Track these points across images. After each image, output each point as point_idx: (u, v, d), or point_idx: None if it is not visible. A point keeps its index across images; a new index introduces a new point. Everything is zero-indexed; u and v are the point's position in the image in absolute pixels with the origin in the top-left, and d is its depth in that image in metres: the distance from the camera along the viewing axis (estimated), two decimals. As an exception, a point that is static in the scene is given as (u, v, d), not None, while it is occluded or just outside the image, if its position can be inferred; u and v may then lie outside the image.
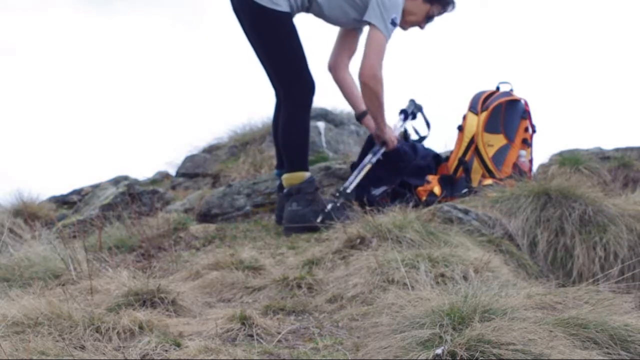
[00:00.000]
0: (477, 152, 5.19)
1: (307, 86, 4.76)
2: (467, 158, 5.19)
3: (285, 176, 4.80)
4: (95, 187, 6.29)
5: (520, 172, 5.13)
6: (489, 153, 5.15)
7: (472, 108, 5.27)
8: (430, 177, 5.11)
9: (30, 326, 2.77)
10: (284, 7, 4.66)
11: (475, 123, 5.21)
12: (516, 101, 5.29)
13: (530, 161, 5.34)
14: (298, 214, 4.66)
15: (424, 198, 4.95)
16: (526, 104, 5.30)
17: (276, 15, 4.64)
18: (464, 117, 5.29)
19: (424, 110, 5.44)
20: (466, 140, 5.21)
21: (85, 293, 3.39)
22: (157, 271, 3.92)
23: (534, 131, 5.33)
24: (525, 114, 5.28)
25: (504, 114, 5.22)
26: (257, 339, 2.84)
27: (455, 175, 5.16)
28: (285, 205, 4.76)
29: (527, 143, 5.27)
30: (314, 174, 5.42)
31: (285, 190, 4.79)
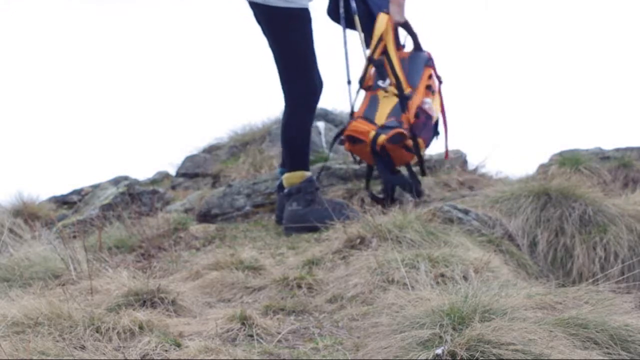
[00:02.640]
0: (388, 56, 4.98)
1: (312, 87, 4.73)
2: (376, 56, 4.97)
3: (285, 175, 4.79)
4: (95, 187, 6.28)
5: (426, 116, 4.91)
6: (390, 102, 4.96)
7: (385, 8, 5.02)
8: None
9: (30, 326, 2.77)
10: (299, 2, 4.61)
11: (385, 22, 4.97)
12: (419, 51, 5.12)
13: (445, 124, 5.10)
14: (298, 213, 4.65)
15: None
16: (429, 54, 5.12)
17: (290, 12, 4.60)
18: (376, 17, 5.04)
19: None
20: (376, 38, 4.97)
21: (85, 293, 3.39)
22: (157, 271, 3.92)
23: (440, 81, 5.13)
24: (430, 62, 5.10)
25: (408, 65, 5.03)
26: (257, 339, 2.84)
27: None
28: (285, 205, 4.76)
29: (431, 90, 5.04)
30: (314, 174, 5.42)
31: (285, 190, 4.78)
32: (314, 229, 4.53)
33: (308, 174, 4.80)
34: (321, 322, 3.12)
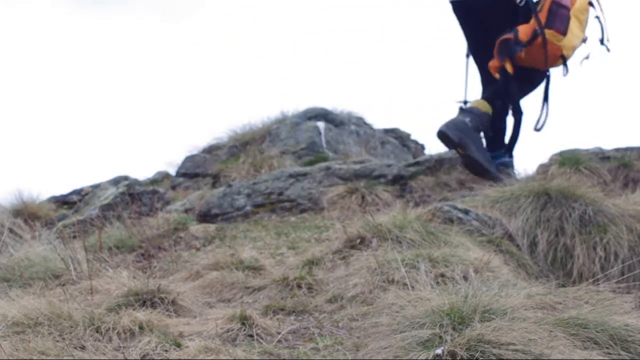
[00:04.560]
0: None
1: None
2: None
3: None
4: (95, 187, 6.28)
5: (557, 6, 5.03)
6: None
7: None
8: None
9: (30, 326, 2.77)
10: None
11: None
12: None
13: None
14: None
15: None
16: None
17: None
18: None
19: None
20: None
21: (85, 293, 3.39)
22: (157, 271, 3.92)
23: None
24: None
25: None
26: (257, 339, 2.84)
27: None
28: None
29: None
30: (314, 174, 5.43)
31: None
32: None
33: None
34: (321, 322, 3.12)
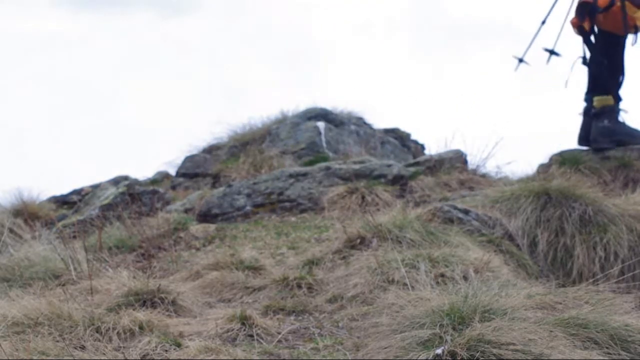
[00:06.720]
0: None
1: None
2: None
3: (597, 98, 5.71)
4: (95, 187, 6.28)
5: None
6: None
7: None
8: None
9: (30, 326, 2.77)
10: None
11: None
12: None
13: None
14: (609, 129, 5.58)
15: None
16: None
17: None
18: None
19: None
20: None
21: (85, 293, 3.39)
22: (157, 271, 3.92)
23: None
24: None
25: None
26: (257, 339, 2.84)
27: None
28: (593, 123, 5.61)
29: None
30: (313, 174, 5.43)
31: (594, 110, 5.67)
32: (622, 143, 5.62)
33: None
34: (321, 322, 3.13)
